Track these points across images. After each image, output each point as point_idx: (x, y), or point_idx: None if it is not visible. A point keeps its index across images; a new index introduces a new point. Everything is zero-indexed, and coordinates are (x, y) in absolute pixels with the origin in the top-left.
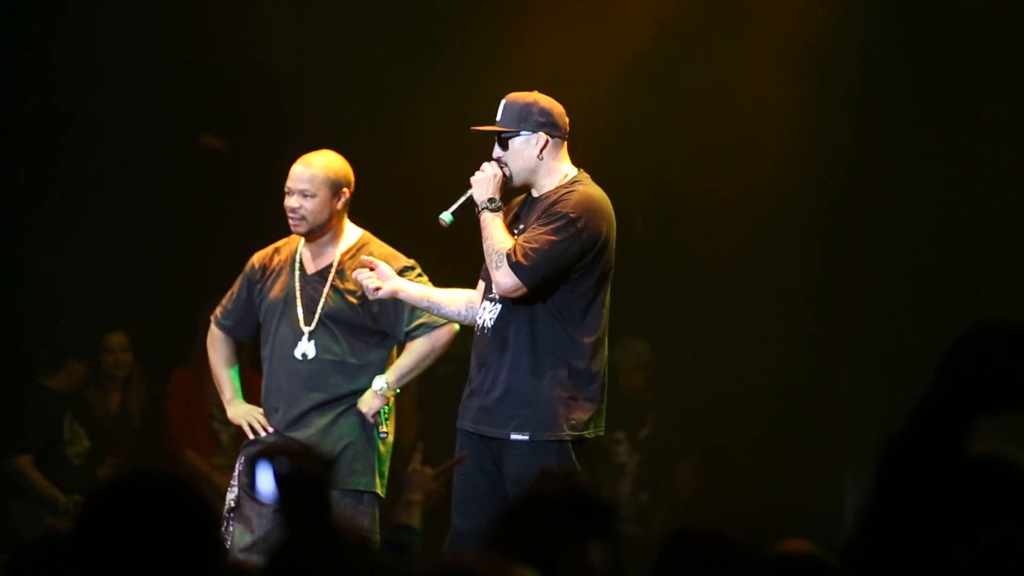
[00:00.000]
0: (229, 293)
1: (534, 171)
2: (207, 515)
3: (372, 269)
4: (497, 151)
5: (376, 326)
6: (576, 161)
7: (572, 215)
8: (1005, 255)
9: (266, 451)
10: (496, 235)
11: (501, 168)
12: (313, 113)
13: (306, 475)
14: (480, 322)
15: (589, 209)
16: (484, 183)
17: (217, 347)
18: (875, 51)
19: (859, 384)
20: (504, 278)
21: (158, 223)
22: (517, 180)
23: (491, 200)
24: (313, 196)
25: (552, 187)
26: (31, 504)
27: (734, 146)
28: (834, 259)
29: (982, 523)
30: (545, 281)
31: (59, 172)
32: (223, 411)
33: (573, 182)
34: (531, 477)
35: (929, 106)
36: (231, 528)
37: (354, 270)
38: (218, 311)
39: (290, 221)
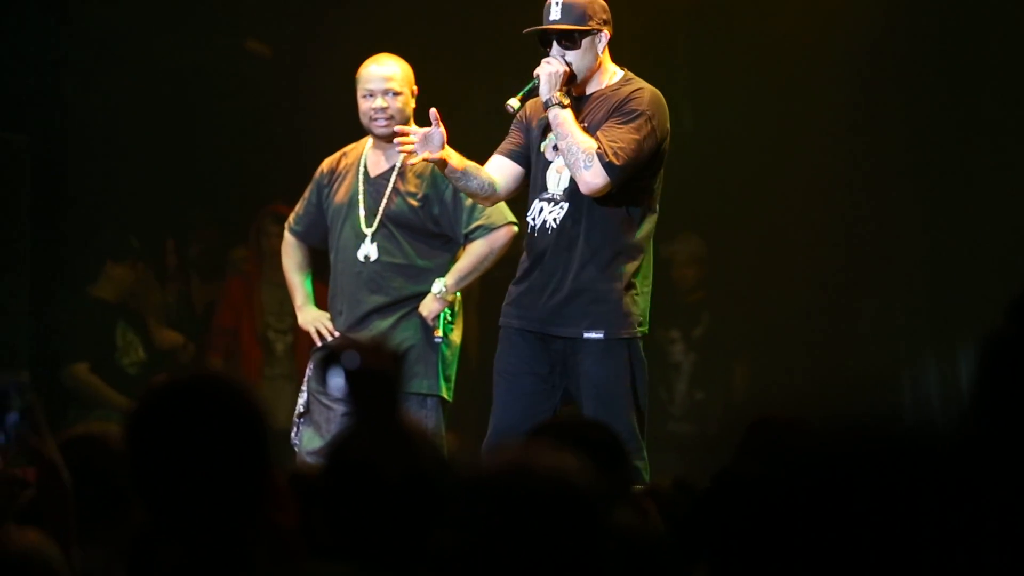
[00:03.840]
0: (301, 199)
1: (596, 69)
2: (256, 418)
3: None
4: (559, 51)
5: (437, 228)
6: (625, 60)
7: (648, 112)
8: None
9: (336, 347)
10: (577, 134)
11: (568, 66)
12: (358, 16)
13: (376, 370)
14: (538, 222)
15: (660, 106)
16: (552, 78)
17: (290, 253)
18: None
19: (913, 275)
20: (595, 178)
21: (204, 131)
22: (580, 79)
23: (560, 97)
24: (399, 94)
25: (603, 85)
26: (92, 411)
27: (778, 34)
28: (885, 149)
29: None
30: (628, 179)
31: (103, 86)
32: (279, 320)
33: (629, 79)
34: (607, 374)
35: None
36: (300, 432)
37: (415, 171)
38: (291, 218)
39: (376, 124)
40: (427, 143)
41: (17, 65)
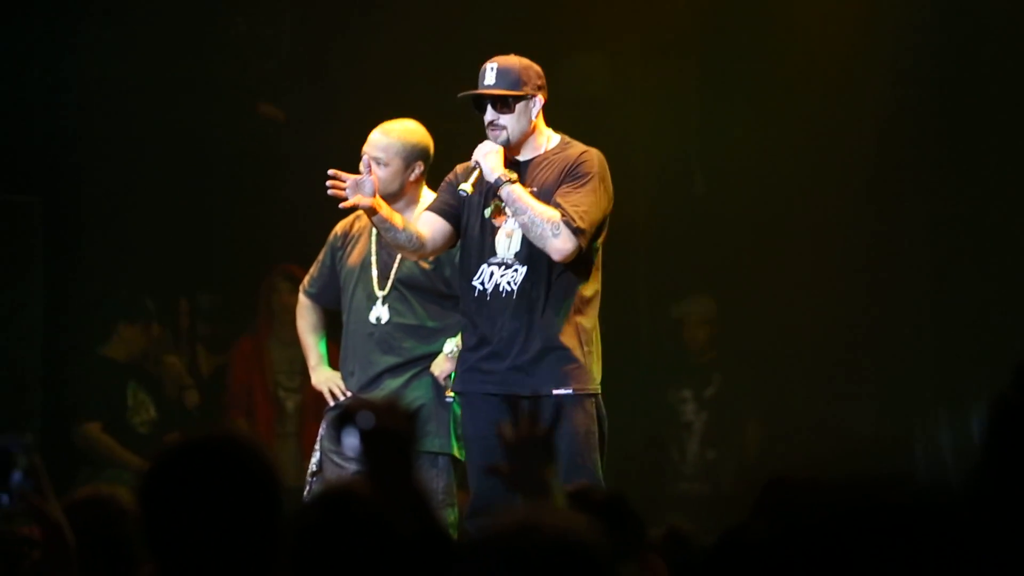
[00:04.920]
0: (316, 262)
1: (530, 134)
2: (269, 477)
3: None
4: (494, 115)
5: (449, 290)
6: (638, 123)
7: (600, 173)
8: None
9: (351, 407)
10: (536, 206)
11: (500, 131)
12: (366, 84)
13: (390, 430)
14: (489, 286)
15: (606, 168)
16: (490, 158)
17: (304, 315)
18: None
19: (925, 333)
20: (565, 244)
21: (216, 193)
22: (514, 143)
23: (508, 174)
24: (386, 165)
25: (542, 149)
26: (104, 471)
27: (787, 100)
28: (897, 212)
29: None
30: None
31: (116, 147)
32: (289, 379)
33: (568, 142)
34: (578, 429)
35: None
36: (313, 490)
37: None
38: (305, 280)
39: None
40: (358, 189)
41: (29, 127)
